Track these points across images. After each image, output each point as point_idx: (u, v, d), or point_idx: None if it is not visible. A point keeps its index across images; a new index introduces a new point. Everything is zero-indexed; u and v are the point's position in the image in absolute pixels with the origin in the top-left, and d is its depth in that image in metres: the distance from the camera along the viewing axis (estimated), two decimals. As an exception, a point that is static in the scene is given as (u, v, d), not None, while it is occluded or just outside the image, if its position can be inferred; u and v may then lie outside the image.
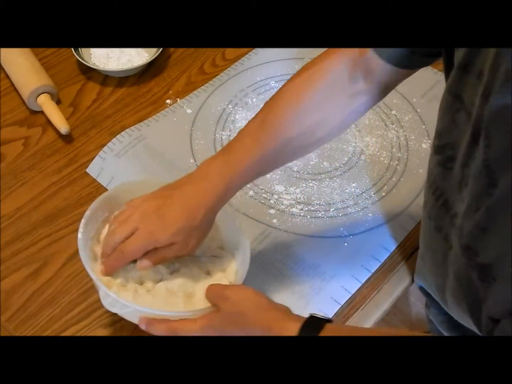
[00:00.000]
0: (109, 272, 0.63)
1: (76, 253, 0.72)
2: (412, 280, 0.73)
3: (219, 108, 0.89)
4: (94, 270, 0.62)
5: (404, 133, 0.88)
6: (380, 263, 0.74)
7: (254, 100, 0.91)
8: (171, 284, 0.64)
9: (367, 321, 0.70)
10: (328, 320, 0.54)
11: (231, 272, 0.66)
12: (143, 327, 0.59)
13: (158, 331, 0.59)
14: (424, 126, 0.89)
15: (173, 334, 0.59)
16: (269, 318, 0.55)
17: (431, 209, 0.59)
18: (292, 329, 0.53)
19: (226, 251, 0.68)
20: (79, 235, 0.63)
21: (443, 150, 0.55)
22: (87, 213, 0.64)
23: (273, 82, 0.93)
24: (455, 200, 0.53)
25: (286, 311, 0.57)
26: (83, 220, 0.64)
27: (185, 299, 0.63)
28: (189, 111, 0.88)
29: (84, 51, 0.93)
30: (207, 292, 0.60)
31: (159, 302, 0.62)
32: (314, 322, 0.54)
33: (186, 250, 0.62)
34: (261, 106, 0.88)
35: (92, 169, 0.81)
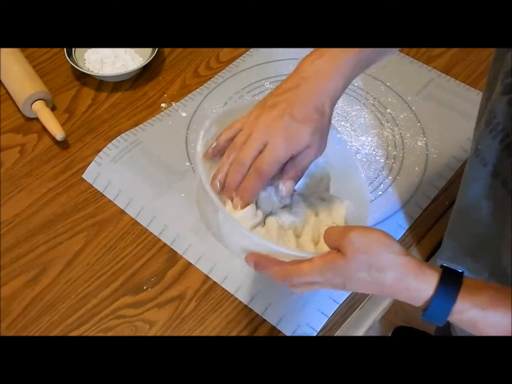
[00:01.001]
0: (248, 201, 0.57)
1: (74, 258, 0.74)
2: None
3: (214, 110, 0.89)
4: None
5: (400, 131, 0.88)
6: (378, 262, 0.74)
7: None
8: (282, 219, 0.59)
9: (366, 319, 0.70)
10: (463, 273, 0.51)
11: (340, 217, 0.62)
12: (251, 264, 0.56)
13: (269, 272, 0.54)
14: (419, 124, 0.89)
15: (284, 280, 0.54)
16: (405, 263, 0.50)
17: (488, 154, 0.56)
18: (430, 279, 0.49)
19: (334, 195, 0.64)
20: (198, 148, 0.59)
21: None
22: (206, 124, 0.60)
23: (268, 83, 0.93)
24: None
25: (419, 260, 0.51)
26: (202, 132, 0.60)
27: (294, 238, 0.59)
28: (184, 114, 0.89)
29: (78, 56, 0.93)
30: (327, 235, 0.54)
31: (273, 238, 0.57)
32: (451, 273, 0.50)
33: (320, 152, 0.58)
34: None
35: (88, 175, 0.81)
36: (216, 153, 0.60)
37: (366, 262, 0.50)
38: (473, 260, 0.65)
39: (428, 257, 0.76)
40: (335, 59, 0.58)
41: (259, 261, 0.55)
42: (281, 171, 0.58)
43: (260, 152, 0.56)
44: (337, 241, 0.52)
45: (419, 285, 0.49)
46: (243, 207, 0.57)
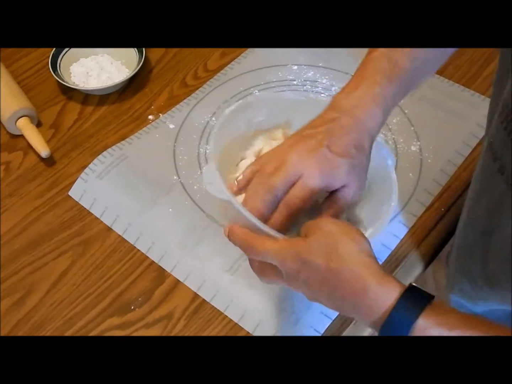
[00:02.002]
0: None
1: (60, 278, 0.72)
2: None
3: (202, 121, 0.88)
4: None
5: (393, 136, 0.86)
6: (372, 273, 0.72)
7: (238, 110, 0.89)
8: None
9: (360, 334, 0.68)
10: (432, 296, 0.46)
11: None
12: (225, 233, 0.53)
13: (236, 239, 0.52)
14: (412, 128, 0.86)
15: (248, 250, 0.51)
16: (368, 263, 0.46)
17: (499, 148, 0.51)
18: (392, 287, 0.45)
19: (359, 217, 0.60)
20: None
21: None
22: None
23: (257, 91, 0.91)
24: None
25: (382, 269, 0.47)
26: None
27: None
28: (171, 126, 0.87)
29: (64, 70, 0.92)
30: (304, 225, 0.51)
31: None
32: (418, 289, 0.45)
33: (359, 191, 0.54)
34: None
35: (74, 192, 0.79)
36: (242, 188, 0.56)
37: (326, 248, 0.46)
38: (466, 261, 0.62)
39: (424, 267, 0.73)
40: (371, 91, 0.55)
41: (233, 229, 0.52)
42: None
43: (294, 183, 0.52)
44: (307, 227, 0.49)
45: (379, 290, 0.45)
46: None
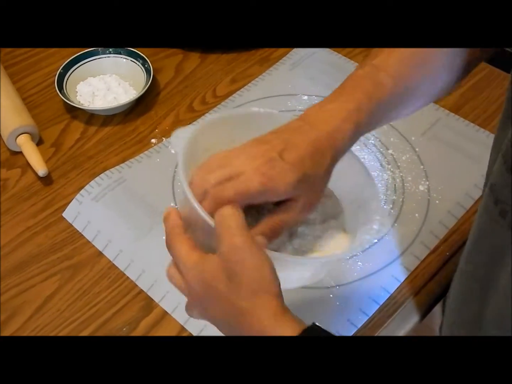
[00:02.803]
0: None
1: (45, 303, 0.70)
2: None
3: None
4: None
5: (401, 174, 0.83)
6: (368, 317, 0.68)
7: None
8: None
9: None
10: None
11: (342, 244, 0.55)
12: (163, 217, 0.49)
13: (166, 225, 0.49)
14: (422, 167, 0.83)
15: (167, 245, 0.49)
16: (266, 304, 0.44)
17: (501, 191, 0.48)
18: (290, 324, 0.44)
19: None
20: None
21: None
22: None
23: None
24: None
25: (282, 306, 0.46)
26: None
27: None
28: (173, 151, 0.85)
29: (70, 89, 0.91)
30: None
31: None
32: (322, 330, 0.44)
33: (310, 207, 0.50)
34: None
35: (68, 213, 0.78)
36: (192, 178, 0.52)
37: (229, 275, 0.44)
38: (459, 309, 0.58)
39: (424, 314, 0.70)
40: (345, 106, 0.51)
41: (169, 213, 0.49)
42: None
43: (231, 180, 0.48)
44: (220, 241, 0.45)
45: (277, 331, 0.43)
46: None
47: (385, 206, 0.79)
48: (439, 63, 0.56)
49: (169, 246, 0.49)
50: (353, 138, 0.52)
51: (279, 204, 0.50)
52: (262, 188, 0.47)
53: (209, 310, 0.48)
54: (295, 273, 0.53)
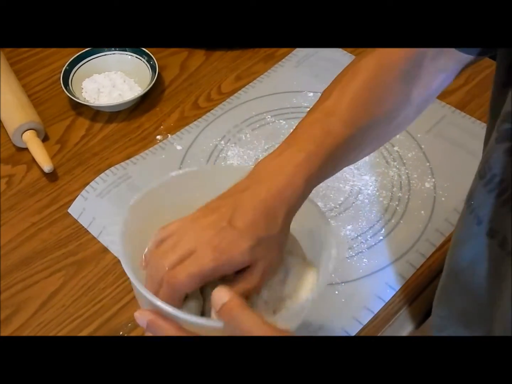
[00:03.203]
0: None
1: (49, 298, 0.70)
2: (406, 335, 0.67)
3: (210, 144, 0.85)
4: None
5: (406, 171, 0.82)
6: (374, 315, 0.68)
7: (248, 135, 0.86)
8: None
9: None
10: None
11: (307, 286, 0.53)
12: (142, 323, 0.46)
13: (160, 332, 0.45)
14: (428, 164, 0.83)
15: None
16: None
17: (484, 211, 0.48)
18: None
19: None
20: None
21: None
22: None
23: (269, 116, 0.89)
24: None
25: None
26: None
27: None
28: (179, 147, 0.85)
29: (75, 85, 0.91)
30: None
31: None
32: None
33: (269, 268, 0.48)
34: (255, 142, 0.85)
35: (74, 209, 0.78)
36: (146, 266, 0.50)
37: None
38: (466, 331, 0.58)
39: (429, 312, 0.69)
40: (295, 159, 0.48)
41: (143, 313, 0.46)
42: None
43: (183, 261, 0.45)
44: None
45: None
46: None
47: (391, 203, 0.78)
48: (393, 96, 0.53)
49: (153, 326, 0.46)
50: (305, 191, 0.49)
51: (239, 271, 0.48)
52: (216, 264, 0.45)
53: None
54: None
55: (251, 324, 0.42)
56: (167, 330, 0.44)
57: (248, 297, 0.50)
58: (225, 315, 0.43)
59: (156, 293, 0.46)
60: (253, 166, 0.51)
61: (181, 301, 0.47)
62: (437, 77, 0.55)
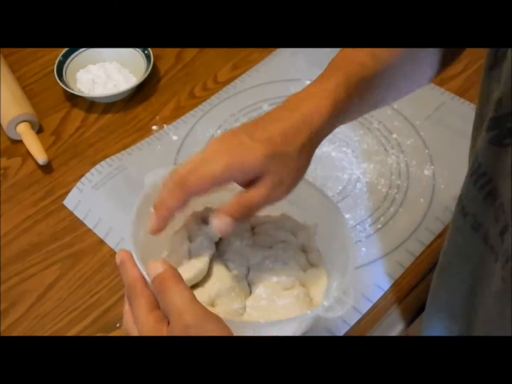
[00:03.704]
0: (160, 219, 0.47)
1: (46, 291, 0.69)
2: (406, 326, 0.67)
3: (207, 134, 0.84)
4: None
5: (405, 159, 0.81)
6: (373, 304, 0.67)
7: (245, 125, 0.85)
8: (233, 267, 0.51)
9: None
10: None
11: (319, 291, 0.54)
12: (117, 259, 0.47)
13: (123, 276, 0.46)
14: (427, 151, 0.82)
15: (127, 295, 0.46)
16: None
17: (469, 203, 0.48)
18: None
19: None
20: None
21: (503, 122, 0.43)
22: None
23: (266, 105, 0.88)
24: (504, 187, 0.43)
25: None
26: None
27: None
28: (175, 137, 0.84)
29: (69, 77, 0.90)
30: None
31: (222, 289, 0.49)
32: None
33: (279, 191, 0.47)
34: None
35: (69, 202, 0.77)
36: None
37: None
38: (450, 320, 0.56)
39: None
40: (324, 84, 0.50)
41: (124, 261, 0.46)
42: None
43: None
44: (170, 306, 0.42)
45: None
46: (153, 229, 0.47)
47: (389, 191, 0.77)
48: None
49: (128, 298, 0.46)
50: (332, 118, 0.49)
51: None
52: (228, 167, 0.45)
53: None
54: (282, 331, 0.50)
55: (180, 300, 0.42)
56: (129, 277, 0.45)
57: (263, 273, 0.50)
58: (157, 286, 0.43)
59: (170, 207, 0.46)
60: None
61: (187, 203, 0.46)
62: None
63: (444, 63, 0.59)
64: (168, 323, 0.43)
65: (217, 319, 0.42)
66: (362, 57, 0.52)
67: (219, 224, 0.46)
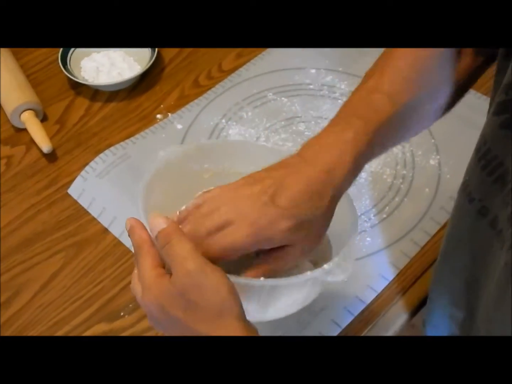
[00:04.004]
0: (140, 229, 0.47)
1: (50, 280, 0.69)
2: (411, 316, 0.66)
3: (211, 123, 0.84)
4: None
5: (411, 148, 0.81)
6: (377, 294, 0.67)
7: (250, 113, 0.85)
8: None
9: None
10: None
11: None
12: (127, 226, 0.48)
13: (132, 240, 0.47)
14: (433, 141, 0.81)
15: (135, 257, 0.47)
16: (224, 326, 0.42)
17: (476, 188, 0.47)
18: None
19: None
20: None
21: None
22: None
23: (271, 94, 0.87)
24: None
25: (250, 329, 0.43)
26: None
27: None
28: (179, 126, 0.83)
29: (74, 65, 0.89)
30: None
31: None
32: None
33: (310, 249, 0.47)
34: (256, 120, 0.84)
35: (73, 190, 0.77)
36: (179, 222, 0.49)
37: (185, 297, 0.42)
38: (453, 309, 0.56)
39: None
40: (343, 135, 0.47)
41: (134, 227, 0.47)
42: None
43: (220, 231, 0.45)
44: (171, 258, 0.44)
45: None
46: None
47: (395, 181, 0.77)
48: (434, 75, 0.53)
49: (136, 260, 0.47)
50: (354, 171, 0.48)
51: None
52: (252, 241, 0.45)
53: (169, 331, 0.46)
54: (288, 298, 0.50)
55: (183, 249, 0.43)
56: (138, 239, 0.46)
57: None
58: (162, 239, 0.44)
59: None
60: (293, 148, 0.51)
61: None
62: (476, 60, 0.54)
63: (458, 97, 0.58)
64: (171, 277, 0.44)
65: (218, 269, 0.43)
66: (377, 101, 0.50)
67: None
